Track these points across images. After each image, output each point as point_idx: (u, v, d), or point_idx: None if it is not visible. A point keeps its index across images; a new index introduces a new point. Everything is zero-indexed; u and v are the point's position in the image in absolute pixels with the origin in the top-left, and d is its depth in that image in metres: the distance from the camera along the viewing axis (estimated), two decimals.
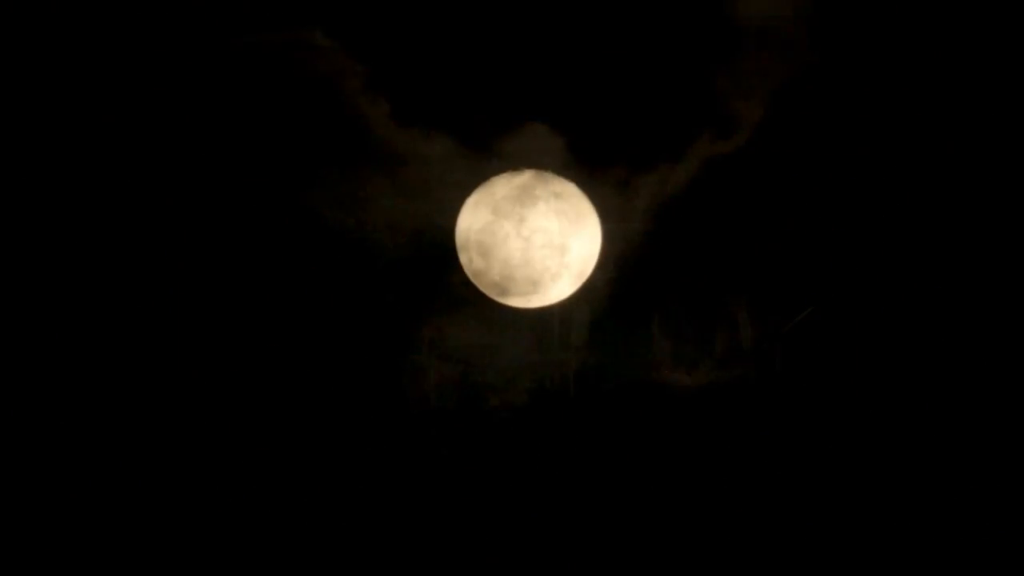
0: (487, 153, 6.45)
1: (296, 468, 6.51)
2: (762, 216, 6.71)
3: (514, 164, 6.41)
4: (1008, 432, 6.61)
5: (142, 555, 6.45)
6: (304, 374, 6.57)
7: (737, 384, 6.66)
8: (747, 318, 6.67)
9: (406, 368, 6.57)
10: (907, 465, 6.66)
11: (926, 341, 6.68)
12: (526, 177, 6.34)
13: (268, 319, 6.57)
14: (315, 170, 6.55)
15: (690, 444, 6.65)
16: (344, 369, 6.59)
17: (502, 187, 6.32)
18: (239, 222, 6.59)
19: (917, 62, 6.57)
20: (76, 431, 6.53)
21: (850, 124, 6.65)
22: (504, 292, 6.39)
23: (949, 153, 6.61)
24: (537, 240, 6.23)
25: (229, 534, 6.50)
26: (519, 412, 6.55)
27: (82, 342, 6.54)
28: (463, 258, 6.44)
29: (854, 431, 6.69)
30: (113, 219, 6.60)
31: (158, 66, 6.53)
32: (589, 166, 6.50)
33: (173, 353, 6.55)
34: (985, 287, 6.64)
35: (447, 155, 6.46)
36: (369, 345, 6.60)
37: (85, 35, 6.48)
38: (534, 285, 6.29)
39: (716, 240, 6.73)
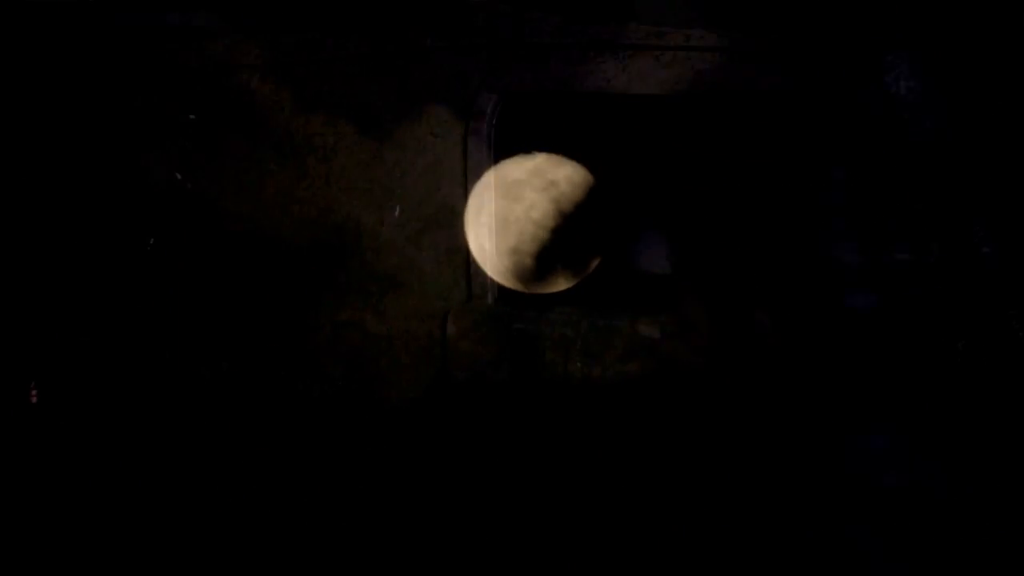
0: (389, 140, 6.21)
1: (191, 462, 6.35)
2: (673, 204, 6.92)
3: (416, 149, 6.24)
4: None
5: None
6: (200, 363, 6.40)
7: (642, 378, 6.82)
8: (655, 309, 6.85)
9: (302, 357, 6.39)
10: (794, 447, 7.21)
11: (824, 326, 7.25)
12: (538, 161, 6.09)
13: (161, 310, 6.40)
14: (211, 158, 6.34)
15: (590, 437, 6.73)
16: (241, 359, 6.41)
17: (514, 170, 6.09)
18: (132, 211, 6.39)
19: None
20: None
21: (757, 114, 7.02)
22: (512, 278, 6.19)
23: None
24: (549, 225, 6.05)
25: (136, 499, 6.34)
26: (414, 403, 6.34)
27: None
28: (471, 241, 6.22)
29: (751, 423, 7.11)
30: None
31: (38, 51, 6.20)
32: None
33: (70, 343, 6.40)
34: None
35: (349, 141, 6.24)
36: (266, 335, 6.41)
37: None
38: (543, 272, 6.11)
39: (623, 228, 6.85)
